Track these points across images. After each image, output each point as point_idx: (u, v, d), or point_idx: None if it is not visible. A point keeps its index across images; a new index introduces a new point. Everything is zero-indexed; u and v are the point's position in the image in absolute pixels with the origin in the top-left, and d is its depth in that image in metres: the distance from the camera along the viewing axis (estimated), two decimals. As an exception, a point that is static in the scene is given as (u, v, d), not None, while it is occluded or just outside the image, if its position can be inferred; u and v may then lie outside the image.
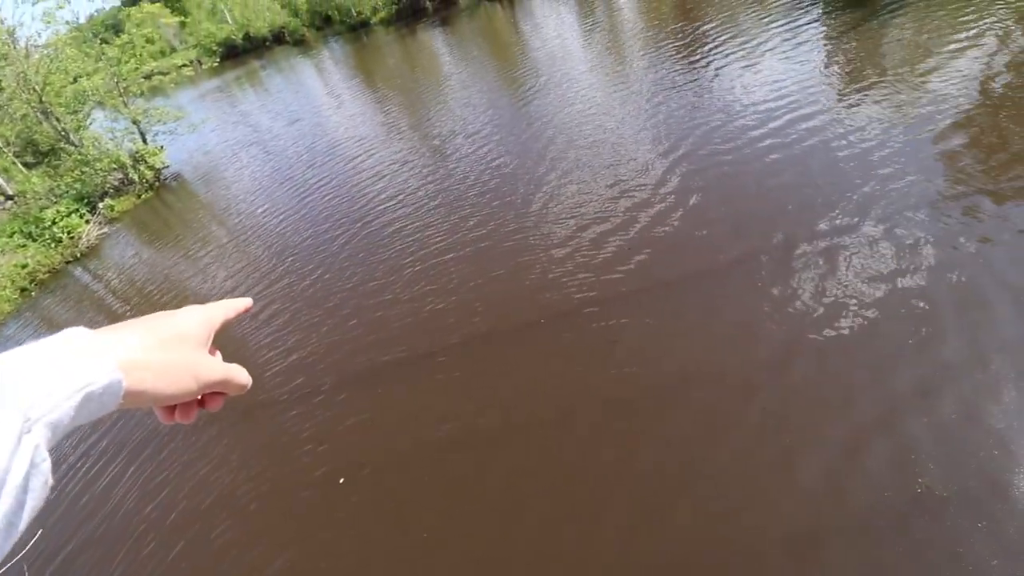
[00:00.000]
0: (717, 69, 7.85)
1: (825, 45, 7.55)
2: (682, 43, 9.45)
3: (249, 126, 16.53)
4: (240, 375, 0.53)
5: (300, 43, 34.25)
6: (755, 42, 8.31)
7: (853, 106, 5.73)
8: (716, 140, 5.96)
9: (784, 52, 7.64)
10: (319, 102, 15.96)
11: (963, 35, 6.33)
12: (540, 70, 10.92)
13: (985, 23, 6.43)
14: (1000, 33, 6.13)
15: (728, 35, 8.94)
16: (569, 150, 6.97)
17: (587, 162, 6.48)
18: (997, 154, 4.32)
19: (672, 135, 6.40)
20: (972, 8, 6.92)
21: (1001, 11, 6.61)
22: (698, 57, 8.55)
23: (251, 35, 38.20)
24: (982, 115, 4.88)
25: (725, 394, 3.14)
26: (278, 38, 37.13)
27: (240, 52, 38.99)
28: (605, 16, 14.04)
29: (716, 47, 8.67)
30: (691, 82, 7.72)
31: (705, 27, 9.83)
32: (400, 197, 7.41)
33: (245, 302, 0.60)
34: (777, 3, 9.71)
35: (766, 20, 9.07)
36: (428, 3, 26.87)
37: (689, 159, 5.78)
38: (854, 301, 3.40)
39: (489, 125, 8.85)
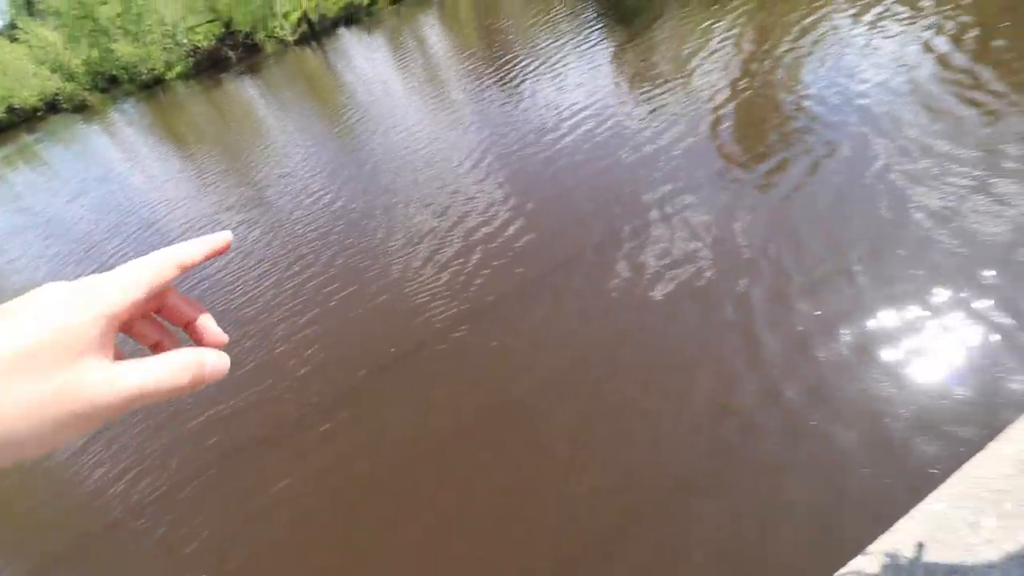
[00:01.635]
0: (526, 89, 8.29)
1: (612, 60, 8.37)
2: (491, 68, 9.87)
3: (23, 210, 13.83)
4: (182, 374, 0.33)
5: (82, 109, 29.90)
6: (554, 62, 8.96)
7: (642, 107, 6.35)
8: (533, 152, 6.21)
9: (580, 69, 8.32)
10: (115, 169, 13.92)
11: (715, 41, 7.42)
12: (363, 107, 10.68)
13: (730, 32, 7.61)
14: (738, 38, 7.29)
15: (530, 59, 9.53)
16: (401, 180, 6.80)
17: (421, 189, 6.36)
18: (751, 134, 5.02)
19: (495, 153, 6.56)
20: (719, 21, 8.18)
21: (740, 21, 7.90)
22: (508, 80, 8.97)
23: (16, 107, 32.49)
24: (740, 104, 5.69)
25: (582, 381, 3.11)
26: (52, 106, 32.05)
27: (4, 127, 32.96)
28: (417, 50, 14.27)
29: (522, 69, 9.18)
30: (506, 102, 8.05)
31: (510, 53, 10.40)
32: (227, 257, 6.59)
33: (213, 240, 0.40)
34: (566, 28, 10.62)
35: (560, 43, 9.82)
36: (230, 53, 25.15)
37: (513, 171, 5.95)
38: (678, 269, 3.63)
39: (317, 166, 8.36)
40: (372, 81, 12.54)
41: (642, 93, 6.71)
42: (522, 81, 8.65)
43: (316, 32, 22.57)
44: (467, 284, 4.40)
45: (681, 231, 4.05)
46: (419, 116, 8.92)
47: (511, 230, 4.89)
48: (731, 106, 5.73)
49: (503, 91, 8.50)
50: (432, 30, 16.13)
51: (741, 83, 6.08)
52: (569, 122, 6.61)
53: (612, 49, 8.80)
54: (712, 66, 6.70)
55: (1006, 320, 2.56)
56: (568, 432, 2.92)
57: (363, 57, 16.02)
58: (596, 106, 6.79)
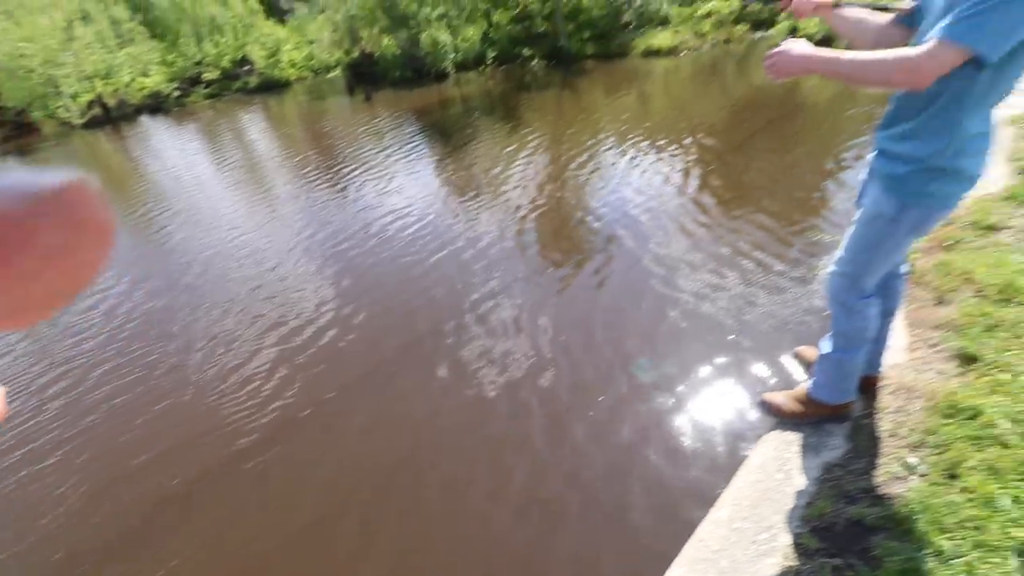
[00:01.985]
0: (350, 191, 8.52)
1: (432, 171, 9.15)
2: (316, 169, 9.98)
3: None
4: None
5: None
6: (378, 168, 9.45)
7: (460, 215, 7.00)
8: (355, 253, 6.32)
9: (403, 176, 8.91)
10: None
11: (518, 163, 8.64)
12: (168, 200, 9.79)
13: (530, 156, 8.95)
14: (536, 161, 8.62)
15: (356, 163, 9.90)
16: (209, 280, 6.28)
17: (233, 290, 5.93)
18: (549, 242, 5.87)
19: (316, 253, 6.51)
20: (522, 148, 9.58)
21: (538, 148, 9.35)
22: (332, 181, 9.15)
23: None
24: (539, 215, 6.62)
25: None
26: None
27: None
28: (235, 145, 13.80)
29: (347, 172, 9.46)
30: (329, 203, 8.15)
31: (335, 156, 10.69)
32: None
33: None
34: (390, 138, 11.38)
35: (384, 151, 10.44)
36: (-9, 131, 21.29)
37: (334, 272, 5.94)
38: (492, 366, 3.91)
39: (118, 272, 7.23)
40: (183, 174, 11.65)
41: (460, 202, 7.41)
42: (347, 183, 8.89)
43: (113, 117, 20.44)
44: (276, 395, 4.15)
45: (494, 329, 4.44)
46: (236, 213, 8.50)
47: (329, 335, 4.81)
48: (532, 217, 6.65)
49: (327, 192, 8.63)
50: (254, 127, 15.83)
51: (540, 199, 7.14)
52: (391, 225, 6.93)
53: (431, 160, 9.66)
54: (516, 183, 7.77)
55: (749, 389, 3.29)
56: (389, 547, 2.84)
57: (173, 148, 14.87)
58: (417, 211, 7.26)
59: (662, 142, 8.76)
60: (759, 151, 7.60)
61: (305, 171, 10.01)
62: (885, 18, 1.59)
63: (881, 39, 1.55)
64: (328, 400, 4.00)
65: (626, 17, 17.74)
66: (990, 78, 1.28)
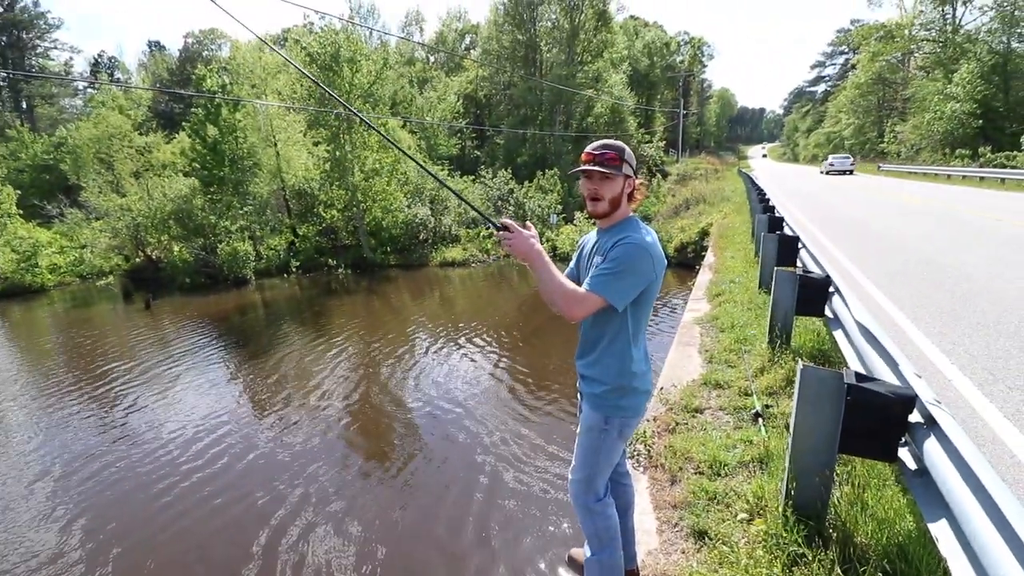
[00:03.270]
0: (136, 414, 7.22)
1: (233, 378, 8.38)
2: (75, 386, 8.28)
3: None
4: None
5: None
6: (167, 377, 8.35)
7: (270, 421, 6.56)
8: (145, 485, 5.22)
9: (200, 385, 8.02)
10: None
11: (333, 355, 8.50)
12: None
13: (344, 345, 8.88)
14: (354, 351, 8.58)
15: (139, 381, 8.53)
16: None
17: None
18: (369, 441, 5.65)
19: (63, 495, 5.13)
20: (336, 337, 9.49)
21: (351, 337, 9.36)
22: (100, 399, 7.71)
23: None
24: (357, 411, 6.43)
25: None
26: None
27: None
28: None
29: (129, 390, 8.08)
30: (88, 424, 6.83)
31: (110, 366, 9.08)
32: None
33: None
34: (179, 348, 10.27)
35: (176, 365, 9.28)
36: None
37: (84, 513, 4.64)
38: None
39: None
40: None
41: (262, 409, 6.97)
42: (116, 399, 7.57)
43: None
44: None
45: (319, 541, 3.88)
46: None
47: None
48: (344, 418, 6.54)
49: (88, 412, 7.22)
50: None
51: (352, 398, 7.12)
52: (171, 443, 6.04)
53: (229, 367, 8.91)
54: (327, 384, 7.66)
55: None
56: None
57: None
58: (207, 424, 6.57)
59: (467, 337, 9.57)
60: (543, 343, 8.79)
61: (54, 389, 8.21)
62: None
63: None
64: None
65: (422, 235, 20.29)
66: (633, 317, 1.83)
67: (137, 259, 20.17)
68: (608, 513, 2.04)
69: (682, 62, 57.82)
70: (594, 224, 1.95)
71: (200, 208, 18.63)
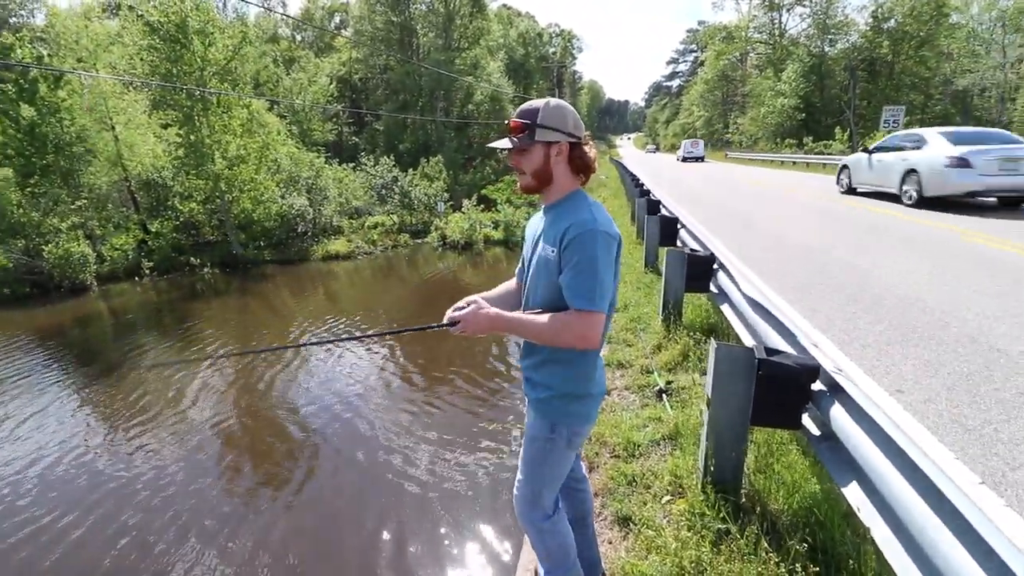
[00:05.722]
0: None
1: (79, 404, 7.03)
2: None
3: None
4: None
5: None
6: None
7: (140, 446, 5.66)
8: None
9: (34, 422, 6.58)
10: None
11: (201, 373, 7.50)
12: None
13: (216, 353, 7.85)
14: (227, 360, 7.61)
15: None
16: None
17: None
18: (264, 443, 5.02)
19: None
20: (206, 345, 8.36)
21: (224, 342, 8.31)
22: None
23: None
24: (236, 426, 5.69)
25: None
26: None
27: None
28: None
29: None
30: None
31: None
32: None
33: None
34: (2, 374, 8.41)
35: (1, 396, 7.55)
36: None
37: None
38: None
39: None
40: None
41: (131, 434, 6.00)
42: None
43: None
44: None
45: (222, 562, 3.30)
46: None
47: None
48: (229, 433, 5.82)
49: None
50: None
51: (228, 412, 6.34)
52: (35, 484, 4.98)
53: (75, 390, 7.53)
54: (197, 400, 6.78)
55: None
56: None
57: None
58: (70, 455, 5.59)
59: (352, 334, 8.98)
60: (442, 331, 8.53)
61: None
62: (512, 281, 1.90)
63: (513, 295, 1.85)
64: None
65: (300, 228, 18.78)
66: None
67: (-72, 269, 16.19)
68: (558, 530, 1.83)
69: (554, 53, 59.79)
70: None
71: (16, 204, 15.35)
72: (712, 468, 2.31)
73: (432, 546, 3.92)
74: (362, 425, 5.77)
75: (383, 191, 21.42)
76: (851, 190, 11.47)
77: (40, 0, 38.53)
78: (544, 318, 1.52)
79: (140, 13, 16.37)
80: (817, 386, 2.11)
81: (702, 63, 51.63)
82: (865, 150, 11.07)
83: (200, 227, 18.37)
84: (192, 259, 16.45)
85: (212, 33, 16.58)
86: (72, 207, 15.79)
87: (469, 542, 3.95)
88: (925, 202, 8.88)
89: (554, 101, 1.56)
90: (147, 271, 15.92)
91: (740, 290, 3.49)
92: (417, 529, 4.09)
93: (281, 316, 11.35)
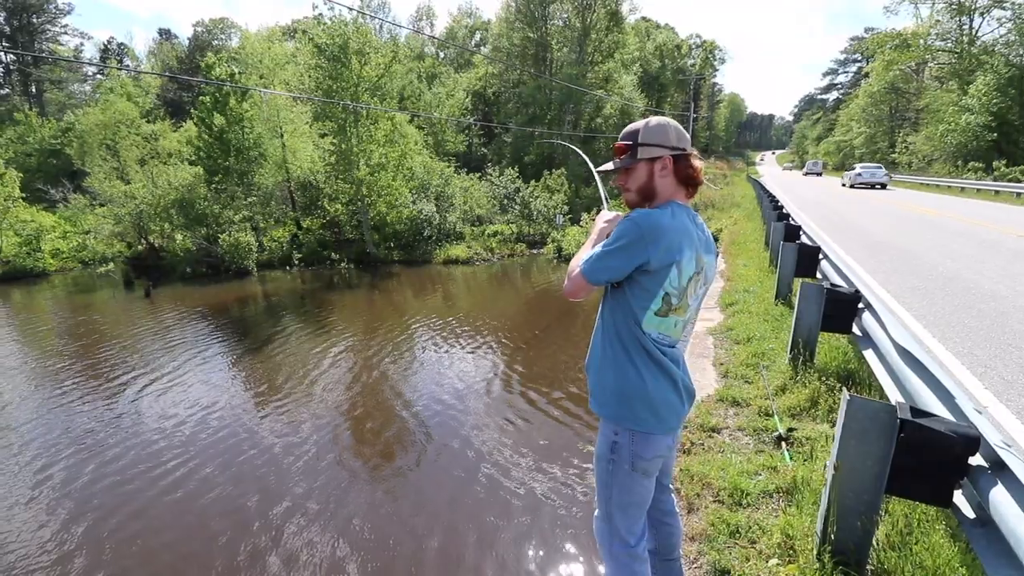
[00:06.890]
0: (132, 404, 7.11)
1: (237, 373, 8.21)
2: (82, 375, 8.12)
3: None
4: None
5: None
6: (172, 371, 8.20)
7: (273, 415, 6.46)
8: (140, 476, 5.13)
9: (205, 380, 7.87)
10: None
11: (337, 350, 8.36)
12: None
13: (346, 340, 8.69)
14: (356, 347, 8.37)
15: (137, 370, 8.37)
16: None
17: None
18: (375, 427, 5.45)
19: (98, 482, 5.01)
20: (339, 332, 9.31)
21: (354, 332, 9.18)
22: (113, 388, 7.59)
23: None
24: (355, 408, 6.25)
25: None
26: None
27: None
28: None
29: (126, 378, 7.96)
30: (112, 414, 6.75)
31: (111, 358, 8.91)
32: None
33: None
34: (178, 338, 10.09)
35: (174, 356, 9.10)
36: None
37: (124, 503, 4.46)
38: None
39: None
40: None
41: (266, 403, 6.86)
42: (120, 390, 7.40)
43: None
44: None
45: (325, 533, 3.70)
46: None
47: None
48: (346, 413, 6.40)
49: (92, 402, 7.05)
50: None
51: (355, 394, 7.02)
52: (190, 436, 5.97)
53: (231, 359, 8.82)
54: (329, 379, 7.52)
55: None
56: None
57: None
58: (218, 415, 6.53)
59: (469, 336, 9.37)
60: (549, 345, 8.57)
61: (52, 374, 8.10)
62: None
63: None
64: None
65: (426, 232, 20.08)
66: (618, 308, 1.58)
67: (139, 247, 20.01)
68: (633, 568, 1.73)
69: (693, 65, 57.39)
70: None
71: (203, 197, 18.46)
72: (833, 535, 2.01)
73: (515, 554, 3.91)
74: (467, 424, 5.97)
75: (505, 201, 22.12)
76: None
77: (237, 26, 45.97)
78: (582, 254, 1.62)
79: (311, 37, 18.77)
80: (976, 460, 1.75)
81: (866, 74, 45.86)
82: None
83: (342, 226, 20.45)
84: (333, 254, 18.38)
85: (368, 53, 18.48)
86: (244, 203, 18.51)
87: (551, 558, 3.88)
88: None
89: (655, 120, 1.60)
90: (296, 262, 18.10)
91: (890, 336, 3.02)
92: (504, 536, 4.11)
93: (402, 312, 12.19)
